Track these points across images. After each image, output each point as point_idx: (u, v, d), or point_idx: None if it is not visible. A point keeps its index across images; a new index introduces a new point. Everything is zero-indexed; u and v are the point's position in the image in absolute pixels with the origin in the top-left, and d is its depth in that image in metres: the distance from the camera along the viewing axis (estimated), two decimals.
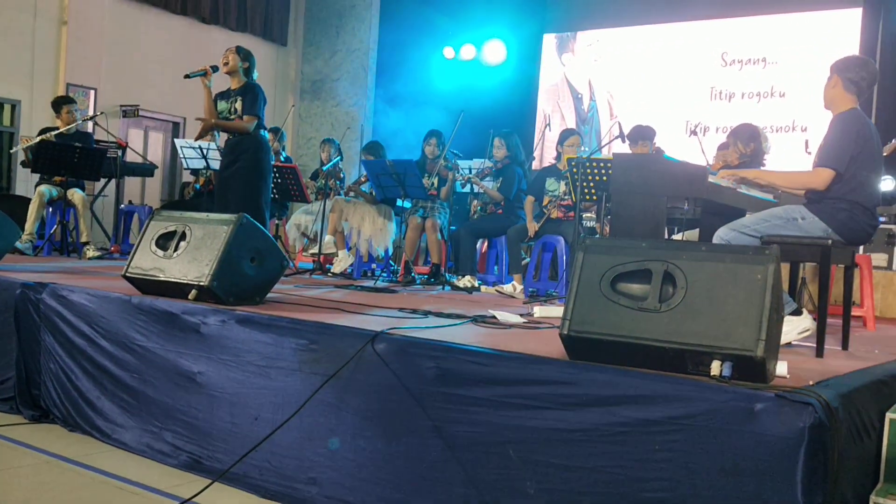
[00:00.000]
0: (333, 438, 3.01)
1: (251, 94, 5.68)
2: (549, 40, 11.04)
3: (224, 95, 5.80)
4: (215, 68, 5.72)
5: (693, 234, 4.93)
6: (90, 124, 8.24)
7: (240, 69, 5.74)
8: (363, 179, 7.45)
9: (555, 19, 10.98)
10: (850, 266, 3.80)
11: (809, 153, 6.55)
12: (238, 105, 5.68)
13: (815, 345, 3.41)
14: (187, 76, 5.83)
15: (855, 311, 5.18)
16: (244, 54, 5.78)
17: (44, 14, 9.56)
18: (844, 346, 3.72)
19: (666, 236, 4.56)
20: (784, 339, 3.27)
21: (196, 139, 6.52)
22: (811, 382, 2.48)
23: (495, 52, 11.30)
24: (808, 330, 3.55)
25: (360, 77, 12.08)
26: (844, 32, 8.83)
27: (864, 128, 3.61)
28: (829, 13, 9.02)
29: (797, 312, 3.58)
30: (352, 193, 7.50)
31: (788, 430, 2.17)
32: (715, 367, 2.38)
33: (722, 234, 3.63)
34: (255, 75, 5.89)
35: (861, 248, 5.50)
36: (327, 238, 7.07)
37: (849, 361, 3.26)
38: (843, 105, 3.70)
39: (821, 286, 3.56)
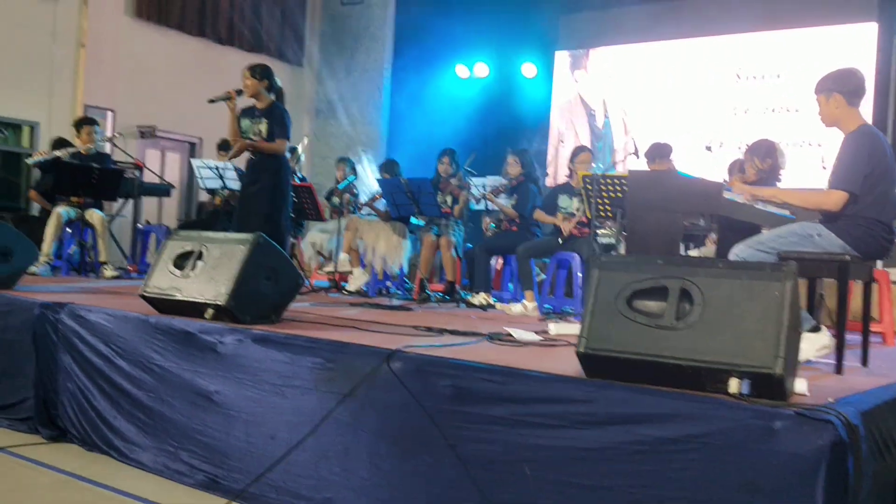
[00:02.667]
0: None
1: (279, 118, 5.67)
2: (562, 57, 11.06)
3: (248, 113, 5.77)
4: (240, 92, 5.68)
5: (709, 251, 4.91)
6: (107, 145, 8.32)
7: (261, 90, 5.71)
8: (377, 197, 7.48)
9: (567, 37, 11.00)
10: (869, 281, 3.76)
11: (825, 168, 6.51)
12: (262, 127, 5.66)
13: (834, 361, 3.38)
14: (211, 101, 5.77)
15: (874, 327, 5.13)
16: (260, 73, 5.73)
17: (62, 36, 9.68)
18: (864, 362, 3.68)
19: (682, 253, 4.54)
20: (803, 356, 3.24)
21: (229, 158, 6.54)
22: (831, 400, 2.45)
23: (508, 70, 11.34)
24: (826, 346, 3.52)
25: (374, 96, 12.15)
26: (859, 47, 8.80)
27: (876, 145, 3.58)
28: (844, 28, 9.00)
29: (815, 329, 3.55)
30: (366, 210, 7.53)
31: (808, 448, 2.14)
32: (733, 385, 2.36)
33: (738, 251, 3.61)
34: (278, 83, 5.84)
35: (879, 263, 5.46)
36: (342, 256, 7.09)
37: (869, 378, 3.22)
38: (852, 122, 3.66)
39: (839, 302, 3.53)
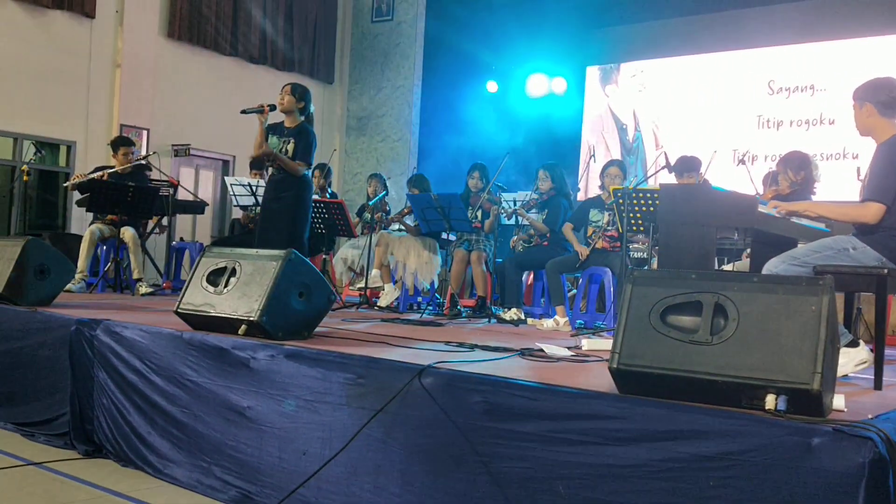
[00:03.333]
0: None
1: (305, 141, 5.74)
2: (593, 72, 11.06)
3: (277, 131, 5.85)
4: (273, 107, 5.76)
5: (744, 265, 4.86)
6: (144, 162, 8.44)
7: (295, 110, 5.80)
8: (406, 210, 7.51)
9: (598, 52, 11.00)
10: None
11: (861, 181, 6.42)
12: (290, 147, 5.73)
13: (872, 377, 3.32)
14: (244, 111, 5.88)
15: None
16: (300, 93, 5.82)
17: (98, 57, 9.87)
18: None
19: (716, 267, 4.49)
20: (841, 372, 3.19)
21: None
22: (870, 416, 2.41)
23: (539, 85, 11.35)
24: (865, 361, 3.46)
25: (404, 112, 12.22)
26: (891, 57, 8.69)
27: None
28: (876, 39, 8.90)
29: (854, 344, 3.49)
30: (397, 226, 7.55)
31: (847, 465, 2.10)
32: (770, 401, 2.32)
33: (772, 267, 3.56)
34: (312, 109, 5.93)
35: None
36: (374, 272, 7.12)
37: None
38: (885, 132, 3.61)
39: (877, 316, 3.47)
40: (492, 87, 11.66)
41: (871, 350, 3.46)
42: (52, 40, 9.41)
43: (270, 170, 6.02)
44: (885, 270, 3.42)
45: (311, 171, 6.00)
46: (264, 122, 5.76)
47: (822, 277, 2.45)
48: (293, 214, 5.79)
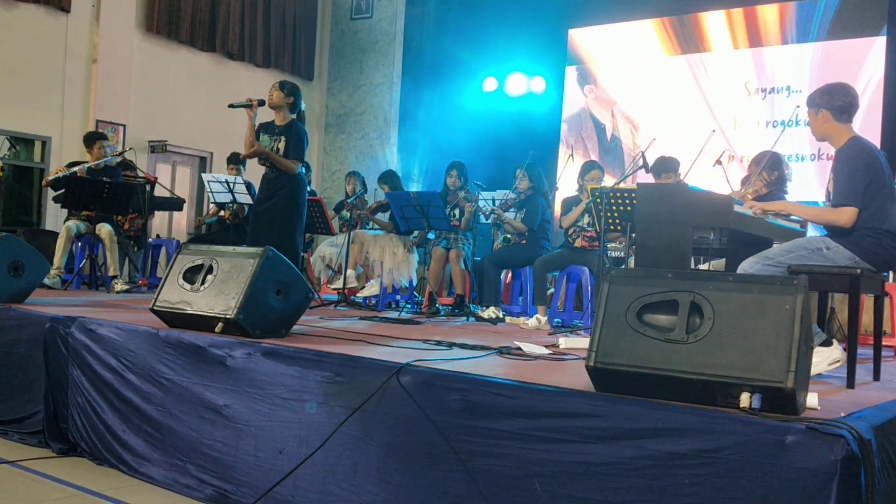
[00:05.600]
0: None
1: (296, 138, 5.67)
2: (571, 72, 11.09)
3: (268, 129, 5.77)
4: (262, 102, 5.66)
5: (720, 265, 4.90)
6: (119, 159, 8.36)
7: (285, 106, 5.72)
8: (374, 206, 7.50)
9: (577, 51, 11.03)
10: (881, 295, 3.74)
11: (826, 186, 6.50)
12: (281, 145, 5.66)
13: (845, 375, 3.36)
14: (231, 106, 5.77)
15: (886, 341, 5.11)
16: (288, 90, 5.75)
17: (74, 52, 9.76)
18: (876, 376, 3.66)
19: (692, 266, 4.53)
20: (814, 371, 3.22)
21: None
22: (843, 414, 2.44)
23: (518, 84, 11.36)
24: (838, 360, 3.50)
25: (384, 110, 12.20)
26: (868, 60, 8.80)
27: (869, 155, 3.58)
28: (852, 41, 9.00)
29: (827, 343, 3.53)
30: (370, 224, 7.53)
31: (820, 463, 2.13)
32: (744, 399, 2.35)
33: (747, 267, 3.60)
34: (303, 107, 5.86)
35: (891, 276, 5.44)
36: (349, 272, 7.09)
37: (881, 392, 3.20)
38: (841, 137, 3.67)
39: (850, 316, 3.52)
40: (471, 86, 11.65)
41: (845, 349, 3.51)
42: (27, 34, 9.29)
43: (259, 167, 5.94)
44: (859, 270, 3.47)
45: (303, 168, 5.92)
46: (253, 118, 5.64)
47: (796, 277, 2.48)
48: (286, 213, 5.69)
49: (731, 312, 2.47)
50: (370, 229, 7.62)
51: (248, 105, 5.61)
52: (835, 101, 3.65)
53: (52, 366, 4.07)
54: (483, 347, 3.84)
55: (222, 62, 11.40)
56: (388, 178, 7.74)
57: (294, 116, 5.78)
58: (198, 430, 3.48)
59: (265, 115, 5.78)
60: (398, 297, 7.54)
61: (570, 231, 6.33)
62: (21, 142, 9.55)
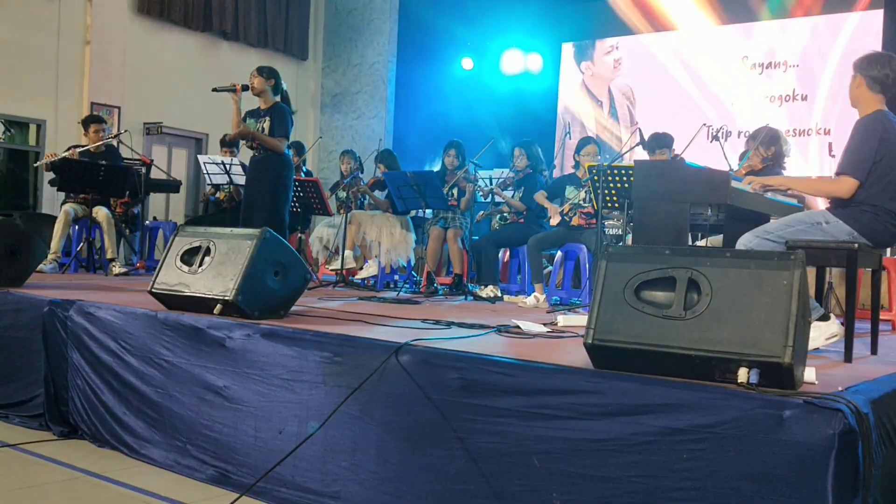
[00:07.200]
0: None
1: (280, 116, 5.81)
2: (568, 49, 11.03)
3: (254, 114, 5.93)
4: (245, 87, 5.84)
5: (717, 241, 4.89)
6: (115, 141, 8.33)
7: (267, 89, 5.88)
8: (372, 181, 7.48)
9: (573, 28, 10.97)
10: (878, 269, 3.74)
11: (833, 156, 6.47)
12: (266, 125, 5.81)
13: (843, 350, 3.37)
14: (215, 90, 5.94)
15: (884, 315, 5.12)
16: (267, 73, 5.92)
17: (67, 34, 9.70)
18: (873, 350, 3.67)
19: (689, 243, 4.52)
20: (812, 345, 3.23)
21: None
22: (840, 388, 2.45)
23: (514, 61, 11.31)
24: (836, 335, 3.51)
25: (379, 89, 12.15)
26: (866, 35, 8.75)
27: (887, 130, 3.53)
28: (850, 15, 8.95)
29: (825, 318, 3.54)
30: (367, 200, 7.51)
31: (818, 437, 2.14)
32: (742, 375, 2.36)
33: (745, 241, 3.59)
34: (284, 86, 6.01)
35: (889, 251, 5.44)
36: (347, 253, 7.08)
37: (878, 366, 3.21)
38: (869, 106, 3.63)
39: (848, 290, 3.52)
40: (467, 63, 11.60)
41: (842, 324, 3.51)
42: (19, 17, 9.23)
43: (248, 149, 6.03)
44: (856, 245, 3.47)
45: (289, 149, 6.01)
46: (238, 101, 5.82)
47: (793, 252, 2.48)
48: (274, 193, 5.85)
49: (729, 288, 2.47)
50: (366, 209, 7.59)
51: (232, 89, 5.80)
52: (872, 70, 3.61)
53: (51, 349, 4.07)
54: (481, 326, 3.85)
55: (217, 42, 11.33)
56: (384, 157, 7.70)
57: (277, 98, 5.94)
58: (198, 412, 3.49)
59: (252, 102, 5.91)
60: (396, 277, 7.54)
61: (567, 209, 6.32)
62: (16, 125, 9.52)
